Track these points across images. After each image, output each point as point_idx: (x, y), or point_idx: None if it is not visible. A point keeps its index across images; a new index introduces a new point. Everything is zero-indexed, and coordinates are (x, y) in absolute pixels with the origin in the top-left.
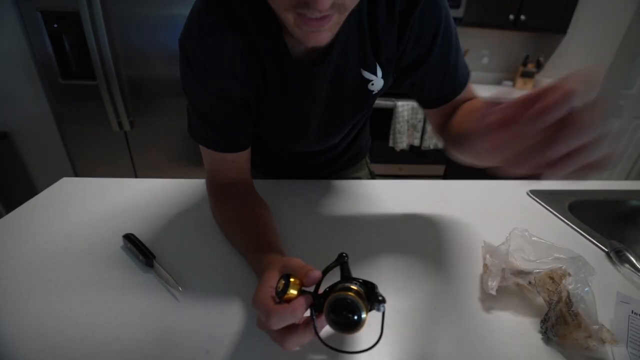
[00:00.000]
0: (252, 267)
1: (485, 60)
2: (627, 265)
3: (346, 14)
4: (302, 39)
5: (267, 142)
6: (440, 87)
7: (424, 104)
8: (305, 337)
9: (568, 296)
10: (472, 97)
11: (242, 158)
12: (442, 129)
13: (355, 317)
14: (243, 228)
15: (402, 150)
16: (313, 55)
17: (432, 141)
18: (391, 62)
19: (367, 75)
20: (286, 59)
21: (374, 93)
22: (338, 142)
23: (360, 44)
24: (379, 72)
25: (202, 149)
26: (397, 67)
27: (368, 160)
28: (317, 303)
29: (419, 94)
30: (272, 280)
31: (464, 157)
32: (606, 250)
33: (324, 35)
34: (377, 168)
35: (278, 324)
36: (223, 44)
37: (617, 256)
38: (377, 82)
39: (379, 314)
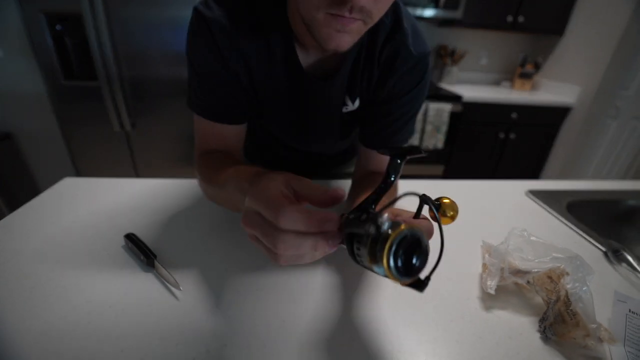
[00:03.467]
0: (238, 198)
1: (483, 61)
2: (624, 264)
3: (369, 26)
4: (325, 39)
5: (264, 135)
6: (377, 132)
7: (358, 136)
8: (314, 252)
9: (566, 295)
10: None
11: (234, 135)
12: (356, 173)
13: (422, 261)
14: (227, 166)
15: None
16: (320, 71)
17: (432, 141)
18: (369, 94)
19: (347, 101)
20: (298, 69)
21: (343, 113)
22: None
23: (352, 73)
24: (357, 102)
25: (197, 122)
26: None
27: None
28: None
29: (360, 126)
30: (283, 180)
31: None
32: (604, 249)
33: (346, 39)
34: None
35: (289, 223)
36: (238, 30)
37: (614, 256)
38: (350, 107)
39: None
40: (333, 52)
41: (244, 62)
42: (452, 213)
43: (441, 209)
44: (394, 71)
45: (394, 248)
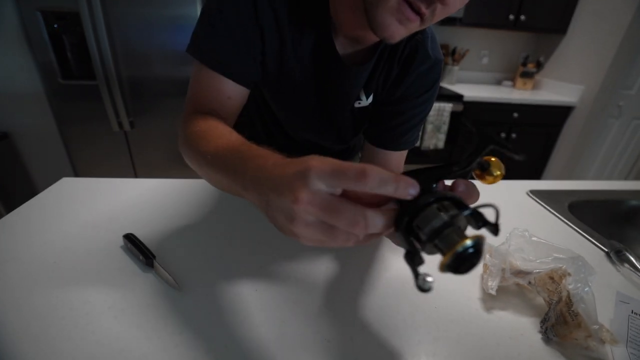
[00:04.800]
0: (235, 177)
1: (485, 60)
2: (626, 265)
3: (421, 28)
4: (385, 26)
5: (265, 128)
6: (385, 131)
7: (365, 133)
8: (385, 224)
9: (568, 296)
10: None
11: (235, 96)
12: None
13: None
14: (226, 133)
15: None
16: (351, 61)
17: (432, 141)
18: (384, 91)
19: (361, 95)
20: (331, 52)
21: (355, 107)
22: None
23: (373, 67)
24: (370, 98)
25: (196, 74)
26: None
27: (360, 155)
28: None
29: (368, 124)
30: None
31: None
32: (606, 250)
33: (401, 32)
34: None
35: (376, 184)
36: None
37: (616, 256)
38: (363, 103)
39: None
40: (365, 46)
41: (278, 36)
42: (498, 172)
43: (490, 169)
44: (412, 70)
45: (453, 256)
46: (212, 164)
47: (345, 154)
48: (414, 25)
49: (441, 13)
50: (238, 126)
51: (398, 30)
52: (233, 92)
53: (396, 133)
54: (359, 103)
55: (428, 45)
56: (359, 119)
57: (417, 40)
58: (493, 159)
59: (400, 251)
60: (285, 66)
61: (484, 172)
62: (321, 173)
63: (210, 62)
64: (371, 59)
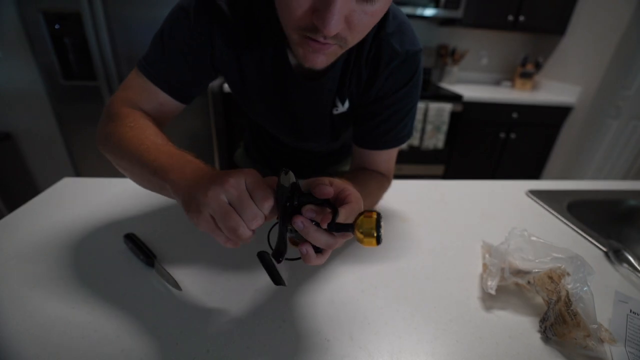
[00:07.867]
0: (159, 176)
1: (484, 60)
2: (625, 264)
3: (344, 49)
4: (302, 58)
5: (262, 131)
6: (368, 132)
7: (352, 136)
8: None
9: (567, 295)
10: (385, 170)
11: (170, 106)
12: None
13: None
14: (155, 135)
15: (402, 151)
16: (310, 73)
17: (432, 141)
18: (358, 95)
19: (337, 102)
20: (287, 69)
21: (334, 114)
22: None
23: (342, 75)
24: (347, 103)
25: (135, 79)
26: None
27: None
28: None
29: (352, 126)
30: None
31: None
32: (605, 249)
33: (321, 59)
34: None
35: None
36: (236, 26)
37: (615, 256)
38: (340, 109)
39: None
40: None
41: (236, 59)
42: (374, 234)
43: (357, 225)
44: (381, 70)
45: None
46: (142, 158)
47: (336, 156)
48: (331, 50)
49: (352, 36)
50: (236, 134)
51: (317, 59)
52: (166, 101)
53: (379, 132)
54: (336, 110)
55: (393, 41)
56: (340, 124)
57: (380, 39)
58: (363, 217)
59: (400, 251)
60: (249, 83)
61: (361, 233)
62: (220, 179)
63: (150, 76)
64: (333, 69)
